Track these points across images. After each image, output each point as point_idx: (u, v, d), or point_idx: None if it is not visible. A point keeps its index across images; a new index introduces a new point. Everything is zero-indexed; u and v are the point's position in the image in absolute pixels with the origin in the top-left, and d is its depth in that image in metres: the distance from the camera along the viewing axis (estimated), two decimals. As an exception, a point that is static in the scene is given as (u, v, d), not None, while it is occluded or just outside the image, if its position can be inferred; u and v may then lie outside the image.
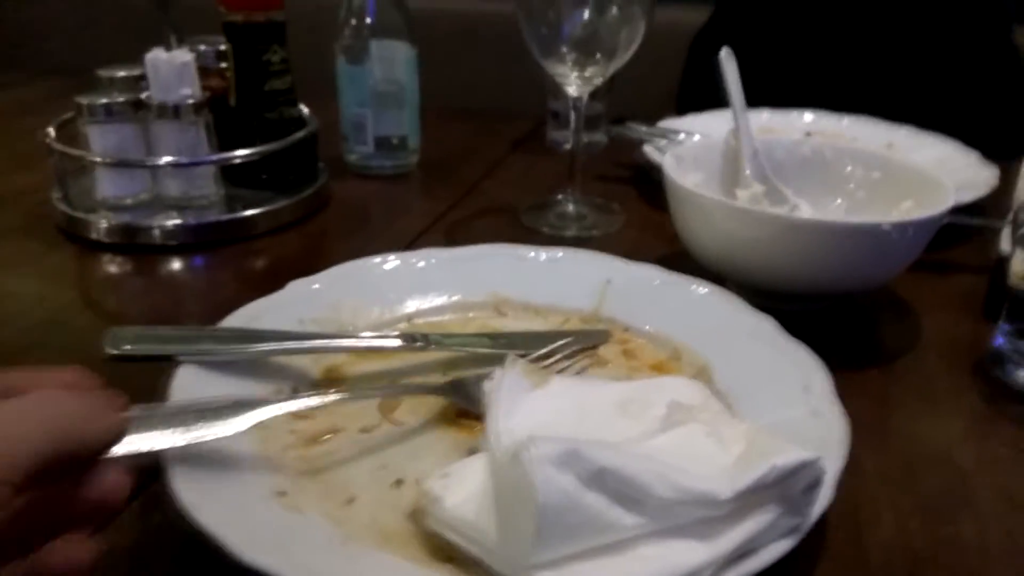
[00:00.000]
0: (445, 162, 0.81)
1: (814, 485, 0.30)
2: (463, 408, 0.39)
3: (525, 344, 0.44)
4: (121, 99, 0.60)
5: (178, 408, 0.34)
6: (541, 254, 0.52)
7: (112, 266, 0.59)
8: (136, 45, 0.63)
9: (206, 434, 0.31)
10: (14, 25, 1.55)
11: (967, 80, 0.98)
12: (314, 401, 0.36)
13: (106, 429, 0.28)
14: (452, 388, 0.40)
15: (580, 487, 0.28)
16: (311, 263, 0.50)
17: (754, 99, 0.78)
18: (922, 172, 0.54)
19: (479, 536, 0.30)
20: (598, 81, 0.61)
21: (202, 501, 0.30)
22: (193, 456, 0.32)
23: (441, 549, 0.31)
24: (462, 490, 0.31)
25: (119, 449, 0.28)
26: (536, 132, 0.91)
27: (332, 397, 0.36)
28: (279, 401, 0.35)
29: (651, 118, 0.82)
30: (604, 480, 0.28)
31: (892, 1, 1.00)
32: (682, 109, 0.92)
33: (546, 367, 0.42)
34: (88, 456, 0.27)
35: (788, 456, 0.29)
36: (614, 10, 0.57)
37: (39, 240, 0.61)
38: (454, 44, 1.30)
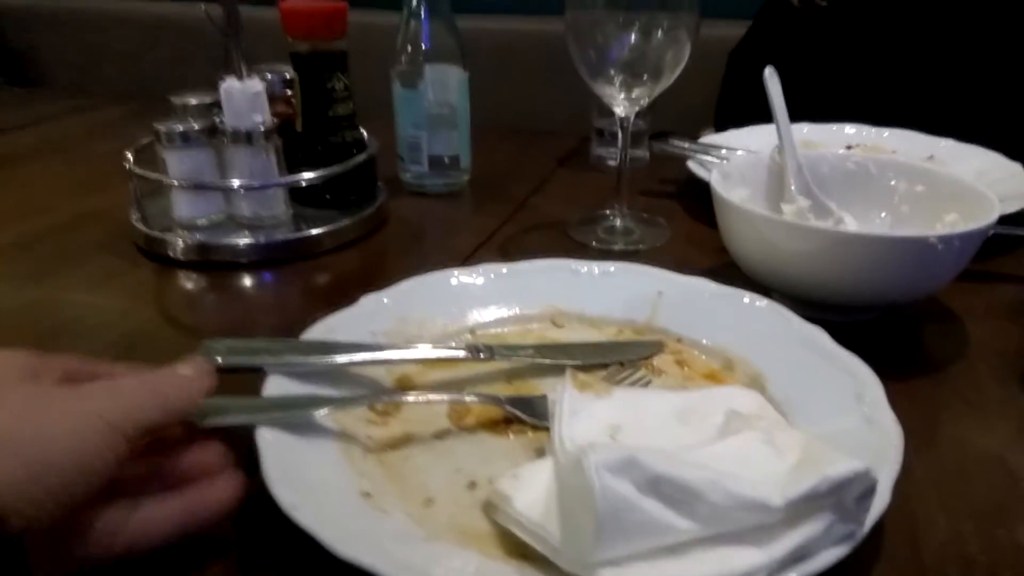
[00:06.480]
0: (495, 180, 0.84)
1: (867, 494, 0.31)
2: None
3: (583, 355, 0.47)
4: (197, 126, 0.63)
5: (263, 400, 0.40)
6: (594, 268, 0.54)
7: (188, 282, 0.63)
8: (190, 71, 0.66)
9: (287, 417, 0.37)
10: (76, 51, 1.63)
11: (1009, 90, 0.98)
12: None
13: (199, 391, 0.34)
14: (516, 402, 0.42)
15: (636, 493, 0.29)
16: (373, 278, 0.53)
17: (792, 112, 0.79)
18: (966, 185, 0.55)
19: (545, 535, 0.31)
20: (645, 101, 0.64)
21: (300, 502, 0.32)
22: (287, 461, 0.35)
23: (515, 547, 0.33)
24: (530, 491, 0.33)
25: (211, 422, 0.35)
26: (580, 149, 0.93)
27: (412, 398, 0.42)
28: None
29: (689, 133, 0.83)
30: (659, 486, 0.30)
31: (931, 14, 1.00)
32: (720, 124, 0.94)
33: (604, 377, 0.44)
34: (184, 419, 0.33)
35: (840, 467, 0.30)
36: (659, 33, 0.59)
37: (120, 257, 0.65)
38: (498, 64, 1.33)
